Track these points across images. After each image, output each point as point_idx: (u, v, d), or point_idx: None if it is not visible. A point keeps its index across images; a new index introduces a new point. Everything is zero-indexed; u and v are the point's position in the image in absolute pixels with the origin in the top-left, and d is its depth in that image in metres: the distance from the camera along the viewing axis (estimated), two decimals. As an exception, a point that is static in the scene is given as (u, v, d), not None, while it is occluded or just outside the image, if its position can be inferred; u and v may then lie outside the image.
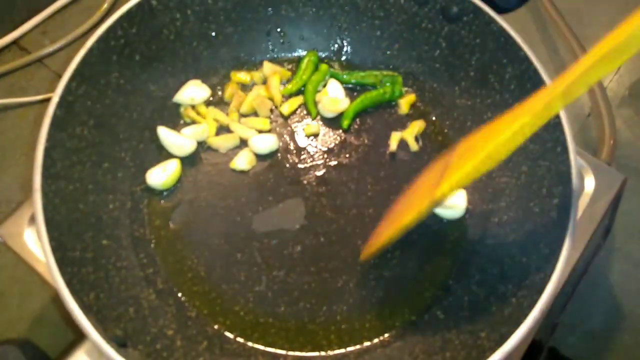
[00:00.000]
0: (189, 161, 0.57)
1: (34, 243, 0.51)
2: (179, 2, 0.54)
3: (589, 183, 0.56)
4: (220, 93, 0.61)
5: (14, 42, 0.75)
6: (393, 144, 0.58)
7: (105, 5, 0.77)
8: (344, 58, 0.62)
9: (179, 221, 0.54)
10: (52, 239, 0.41)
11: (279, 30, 0.61)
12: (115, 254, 0.48)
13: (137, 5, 0.51)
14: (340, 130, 0.59)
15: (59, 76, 0.73)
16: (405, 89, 0.60)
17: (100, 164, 0.50)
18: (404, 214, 0.44)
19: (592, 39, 0.75)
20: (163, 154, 0.56)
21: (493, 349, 0.39)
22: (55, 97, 0.46)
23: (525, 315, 0.40)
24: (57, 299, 0.57)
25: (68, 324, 0.51)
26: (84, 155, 0.49)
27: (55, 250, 0.41)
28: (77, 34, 0.75)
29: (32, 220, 0.51)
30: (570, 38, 0.72)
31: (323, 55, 0.63)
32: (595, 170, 0.56)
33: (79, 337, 0.42)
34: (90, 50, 0.48)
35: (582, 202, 0.54)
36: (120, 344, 0.39)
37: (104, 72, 0.51)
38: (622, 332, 0.60)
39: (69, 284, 0.40)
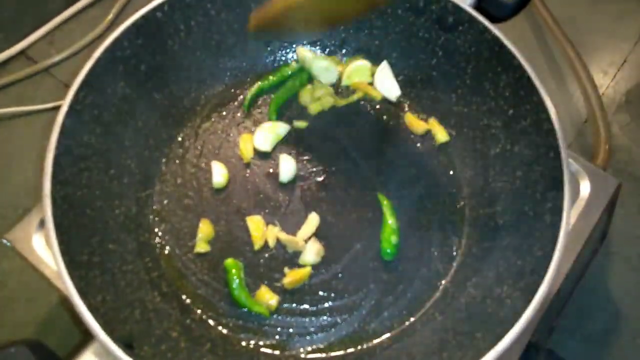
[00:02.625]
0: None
1: (42, 248, 0.52)
2: (183, 14, 0.55)
3: (585, 188, 0.56)
4: (222, 106, 0.62)
5: (22, 52, 0.76)
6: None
7: (110, 16, 0.79)
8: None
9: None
10: (61, 243, 0.42)
11: (278, 41, 0.63)
12: (121, 258, 0.49)
13: (143, 18, 0.52)
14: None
15: (66, 85, 0.75)
16: (402, 97, 0.62)
17: (107, 170, 0.52)
18: None
19: (589, 45, 0.77)
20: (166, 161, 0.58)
21: (488, 349, 0.40)
22: (64, 106, 0.47)
23: (519, 316, 0.41)
24: (63, 302, 0.58)
25: (76, 326, 0.52)
26: (92, 162, 0.50)
27: (64, 254, 0.42)
28: (82, 44, 0.77)
29: (41, 225, 0.53)
30: (567, 45, 0.73)
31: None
32: (591, 175, 0.56)
33: (86, 338, 0.43)
34: (98, 61, 0.50)
35: (578, 207, 0.55)
36: (126, 345, 0.41)
37: (110, 82, 0.52)
38: (621, 335, 0.60)
39: (77, 286, 0.41)
